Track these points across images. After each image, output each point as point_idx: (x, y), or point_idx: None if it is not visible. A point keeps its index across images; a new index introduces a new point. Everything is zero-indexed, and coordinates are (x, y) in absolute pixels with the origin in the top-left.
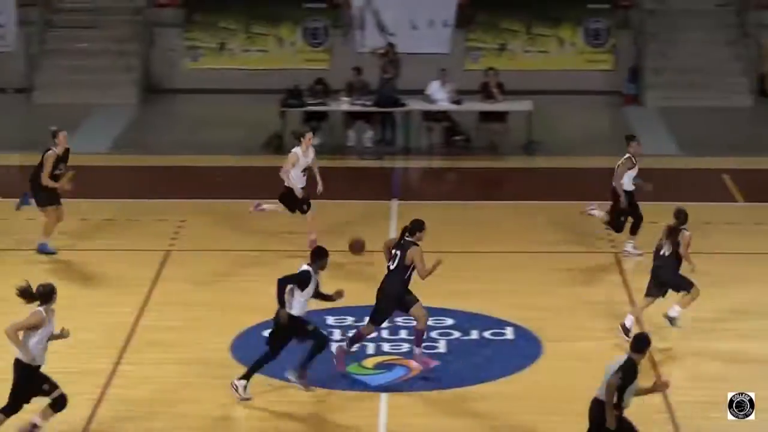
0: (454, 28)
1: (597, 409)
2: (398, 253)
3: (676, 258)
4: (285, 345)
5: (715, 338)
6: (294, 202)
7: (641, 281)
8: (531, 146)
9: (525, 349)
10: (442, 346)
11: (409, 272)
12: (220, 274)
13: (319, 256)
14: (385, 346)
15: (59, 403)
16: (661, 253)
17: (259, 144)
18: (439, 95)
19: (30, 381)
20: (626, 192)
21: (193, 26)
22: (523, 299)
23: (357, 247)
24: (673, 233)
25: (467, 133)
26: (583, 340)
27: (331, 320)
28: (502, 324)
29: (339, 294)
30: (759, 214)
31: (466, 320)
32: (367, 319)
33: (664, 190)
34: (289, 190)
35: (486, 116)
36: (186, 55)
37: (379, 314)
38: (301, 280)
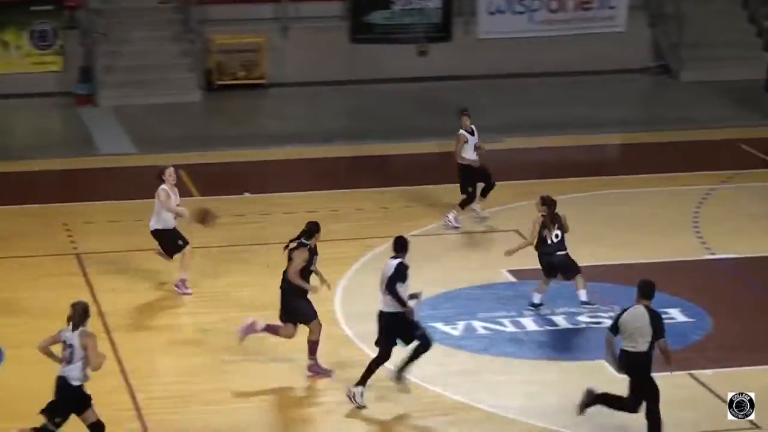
0: None
1: (634, 361)
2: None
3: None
4: (395, 343)
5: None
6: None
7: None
8: None
9: None
10: None
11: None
12: None
13: (403, 245)
14: None
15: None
16: (548, 241)
17: None
18: None
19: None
20: (465, 165)
21: None
22: None
23: (208, 218)
24: (554, 220)
25: None
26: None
27: None
28: None
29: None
30: (213, 207)
31: None
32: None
33: (122, 189)
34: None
35: None
36: None
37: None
38: (401, 274)
